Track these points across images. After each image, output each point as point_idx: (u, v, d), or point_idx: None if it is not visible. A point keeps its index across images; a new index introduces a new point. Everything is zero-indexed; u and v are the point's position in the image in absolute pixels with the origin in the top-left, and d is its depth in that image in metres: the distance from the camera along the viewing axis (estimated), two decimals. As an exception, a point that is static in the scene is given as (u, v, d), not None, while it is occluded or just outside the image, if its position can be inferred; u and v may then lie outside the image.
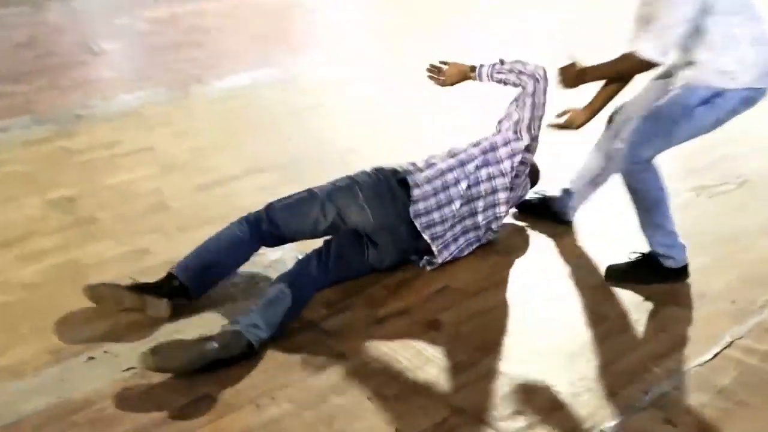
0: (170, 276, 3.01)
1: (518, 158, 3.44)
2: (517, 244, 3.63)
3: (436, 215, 3.29)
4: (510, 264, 3.47)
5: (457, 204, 3.32)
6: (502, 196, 3.45)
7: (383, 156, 4.04)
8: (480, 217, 3.43)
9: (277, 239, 3.25)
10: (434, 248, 3.30)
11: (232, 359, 2.72)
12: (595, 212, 3.94)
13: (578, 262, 3.50)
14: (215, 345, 2.70)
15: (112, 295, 2.97)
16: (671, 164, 4.42)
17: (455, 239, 3.39)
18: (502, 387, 2.69)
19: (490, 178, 3.41)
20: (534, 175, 3.75)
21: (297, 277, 3.03)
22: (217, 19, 7.48)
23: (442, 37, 7.05)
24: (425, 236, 3.27)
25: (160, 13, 7.64)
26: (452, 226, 3.34)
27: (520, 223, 3.79)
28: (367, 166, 3.85)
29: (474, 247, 3.49)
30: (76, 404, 2.57)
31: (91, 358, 2.78)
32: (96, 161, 4.36)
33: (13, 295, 3.15)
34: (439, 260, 3.35)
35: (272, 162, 4.38)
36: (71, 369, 2.73)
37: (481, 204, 3.41)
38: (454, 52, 6.51)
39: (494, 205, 3.44)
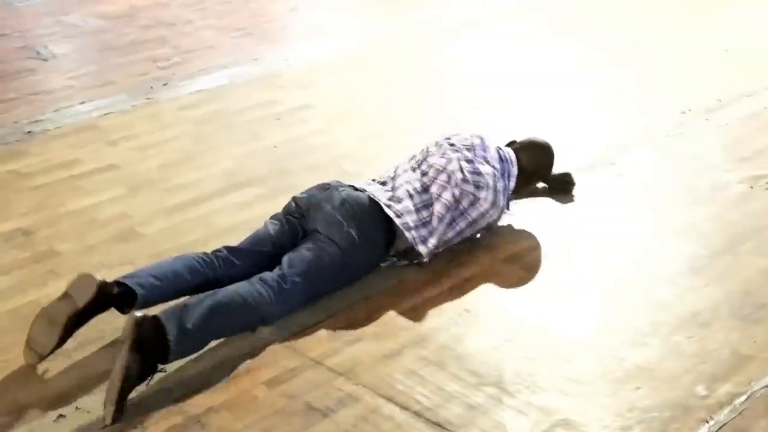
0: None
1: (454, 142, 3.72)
2: (543, 257, 3.66)
3: (390, 193, 3.54)
4: (536, 280, 3.50)
5: (410, 174, 3.62)
6: (453, 156, 3.61)
7: (382, 161, 4.07)
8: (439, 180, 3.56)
9: (241, 264, 3.33)
10: (391, 213, 3.42)
11: (148, 346, 2.76)
12: (631, 220, 3.98)
13: (616, 273, 3.52)
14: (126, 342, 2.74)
15: (42, 319, 2.96)
16: (716, 153, 4.51)
17: (419, 208, 3.49)
18: (539, 424, 2.70)
19: (434, 155, 3.66)
20: (535, 151, 3.91)
21: (242, 284, 3.15)
22: (183, 11, 7.48)
23: (439, 22, 7.08)
24: (380, 198, 3.45)
25: (115, 7, 7.63)
26: (411, 196, 3.52)
27: (544, 233, 3.81)
28: (365, 172, 3.92)
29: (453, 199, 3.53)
30: (46, 471, 2.58)
31: (61, 416, 2.78)
32: (52, 185, 4.36)
33: (-36, 346, 3.16)
34: (400, 221, 3.43)
35: (255, 174, 4.38)
36: (38, 431, 2.72)
37: (432, 173, 3.59)
38: (452, 36, 6.58)
39: (448, 162, 3.59)
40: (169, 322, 2.85)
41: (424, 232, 3.45)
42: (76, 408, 2.81)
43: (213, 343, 3.06)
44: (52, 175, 4.45)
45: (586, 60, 6.03)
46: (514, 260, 3.62)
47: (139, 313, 2.80)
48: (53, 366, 3.00)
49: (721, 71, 5.74)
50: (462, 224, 3.55)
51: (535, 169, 3.91)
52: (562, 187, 4.08)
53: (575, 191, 4.09)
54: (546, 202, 4.04)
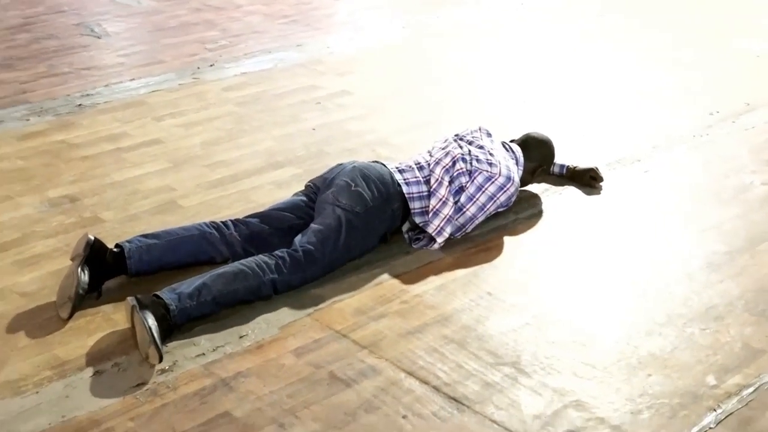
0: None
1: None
2: (567, 247, 3.67)
3: (401, 165, 3.69)
4: (559, 269, 3.51)
5: (422, 154, 3.76)
6: (457, 142, 3.77)
7: (415, 147, 4.10)
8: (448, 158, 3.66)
9: (257, 230, 3.46)
10: (399, 178, 3.56)
11: (161, 321, 2.92)
12: (656, 216, 3.98)
13: (637, 266, 3.53)
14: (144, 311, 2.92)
15: (62, 281, 3.19)
16: (741, 154, 4.49)
17: (426, 180, 3.61)
18: (552, 404, 2.73)
19: (438, 143, 3.82)
20: (537, 145, 3.96)
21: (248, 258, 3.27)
22: (232, -4, 7.57)
23: (478, 18, 7.09)
24: (391, 167, 3.61)
25: (167, -10, 7.73)
26: (420, 168, 3.65)
27: (570, 225, 3.83)
28: (399, 157, 3.96)
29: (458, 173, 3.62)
30: (82, 424, 2.63)
31: (98, 372, 2.85)
32: (99, 156, 4.44)
33: (10, 304, 3.23)
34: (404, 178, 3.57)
35: (293, 155, 4.43)
36: (76, 385, 2.79)
37: (438, 153, 3.71)
38: (490, 32, 6.59)
39: (450, 145, 3.74)
40: (168, 292, 3.02)
41: (436, 203, 3.53)
42: (113, 365, 2.88)
43: (243, 314, 3.14)
44: (100, 147, 4.53)
45: (619, 59, 6.02)
46: (539, 248, 3.64)
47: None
48: (93, 326, 3.08)
49: (752, 75, 5.71)
50: (482, 199, 3.59)
51: (540, 162, 3.95)
52: (588, 182, 4.10)
53: (602, 186, 4.10)
54: (573, 196, 4.05)
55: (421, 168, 3.64)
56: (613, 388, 2.80)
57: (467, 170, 3.61)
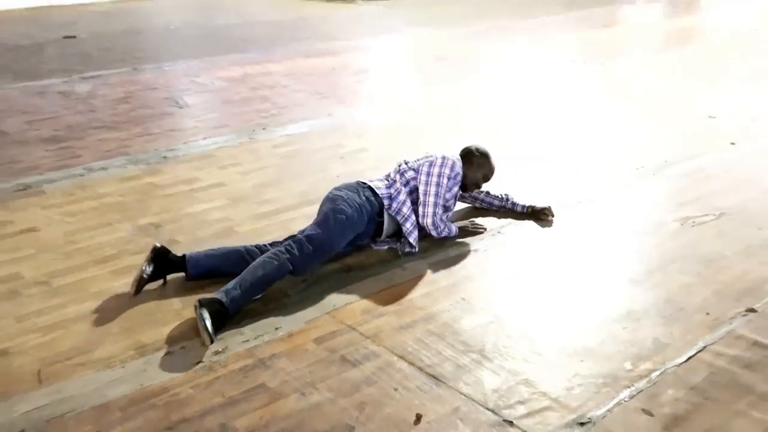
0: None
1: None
2: (523, 266, 3.70)
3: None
4: (517, 281, 3.54)
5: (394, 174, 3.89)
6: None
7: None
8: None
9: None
10: (366, 180, 3.78)
11: (217, 314, 3.02)
12: (592, 244, 4.00)
13: (576, 280, 3.55)
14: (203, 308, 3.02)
15: (139, 270, 3.32)
16: (662, 198, 4.51)
17: (387, 177, 3.86)
18: (507, 381, 2.77)
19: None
20: (471, 153, 4.02)
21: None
22: (281, 78, 7.68)
23: (475, 85, 7.16)
24: (373, 185, 3.74)
25: (233, 73, 7.87)
26: (381, 180, 3.85)
27: (525, 249, 3.86)
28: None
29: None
30: (155, 390, 2.70)
31: (169, 353, 2.92)
32: (177, 194, 4.53)
33: (107, 302, 3.31)
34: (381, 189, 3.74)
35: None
36: (152, 362, 2.87)
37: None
38: (484, 100, 6.65)
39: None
40: (219, 292, 3.11)
41: (393, 191, 3.72)
42: (181, 347, 2.95)
43: (279, 312, 3.19)
44: (178, 188, 4.62)
45: (584, 113, 6.05)
46: (503, 266, 3.67)
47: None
48: (167, 318, 3.15)
49: (673, 137, 5.71)
50: (435, 179, 3.73)
51: (478, 162, 4.00)
52: (543, 218, 4.14)
53: (553, 220, 4.14)
54: (531, 228, 4.08)
55: (381, 180, 3.85)
56: (554, 371, 2.83)
57: (411, 168, 3.82)
